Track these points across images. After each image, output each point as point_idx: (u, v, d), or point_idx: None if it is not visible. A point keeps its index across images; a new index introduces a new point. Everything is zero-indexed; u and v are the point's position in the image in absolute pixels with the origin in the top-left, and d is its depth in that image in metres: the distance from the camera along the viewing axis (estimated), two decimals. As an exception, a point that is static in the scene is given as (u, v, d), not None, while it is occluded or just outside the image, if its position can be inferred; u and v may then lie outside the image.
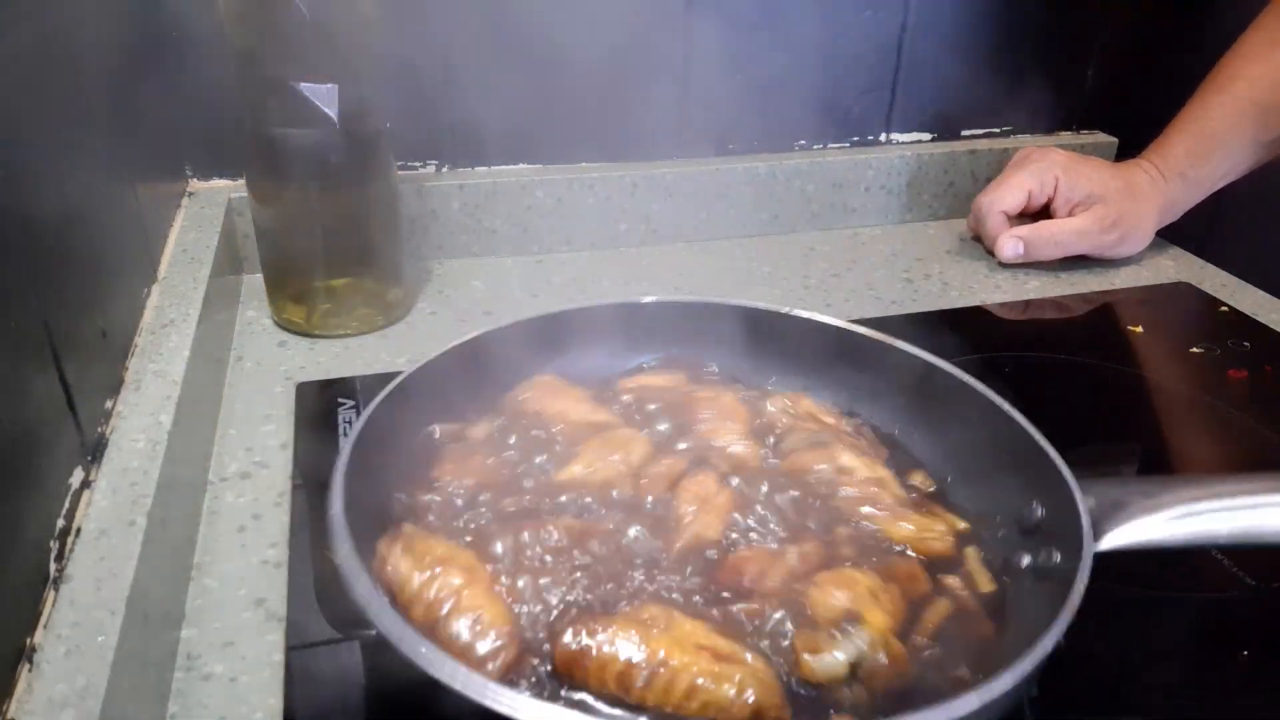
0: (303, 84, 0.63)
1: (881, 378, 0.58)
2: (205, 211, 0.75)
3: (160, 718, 0.42)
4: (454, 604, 0.40)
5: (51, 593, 0.39)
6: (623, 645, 0.38)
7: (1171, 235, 0.92)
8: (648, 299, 0.62)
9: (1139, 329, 0.79)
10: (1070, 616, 0.39)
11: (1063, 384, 0.72)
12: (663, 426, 0.54)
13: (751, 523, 0.47)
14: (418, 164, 0.84)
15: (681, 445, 0.52)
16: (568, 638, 0.39)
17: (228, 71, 0.65)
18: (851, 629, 0.40)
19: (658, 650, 0.38)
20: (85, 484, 0.45)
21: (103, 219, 0.56)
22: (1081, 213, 0.86)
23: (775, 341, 0.60)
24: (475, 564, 0.42)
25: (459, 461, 0.50)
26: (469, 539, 0.45)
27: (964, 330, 0.78)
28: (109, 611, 0.38)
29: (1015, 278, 0.87)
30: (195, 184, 0.80)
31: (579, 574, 0.43)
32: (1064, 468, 0.47)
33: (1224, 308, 0.82)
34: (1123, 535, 0.44)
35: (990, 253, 0.89)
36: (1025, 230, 0.87)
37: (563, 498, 0.48)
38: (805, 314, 0.60)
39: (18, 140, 0.44)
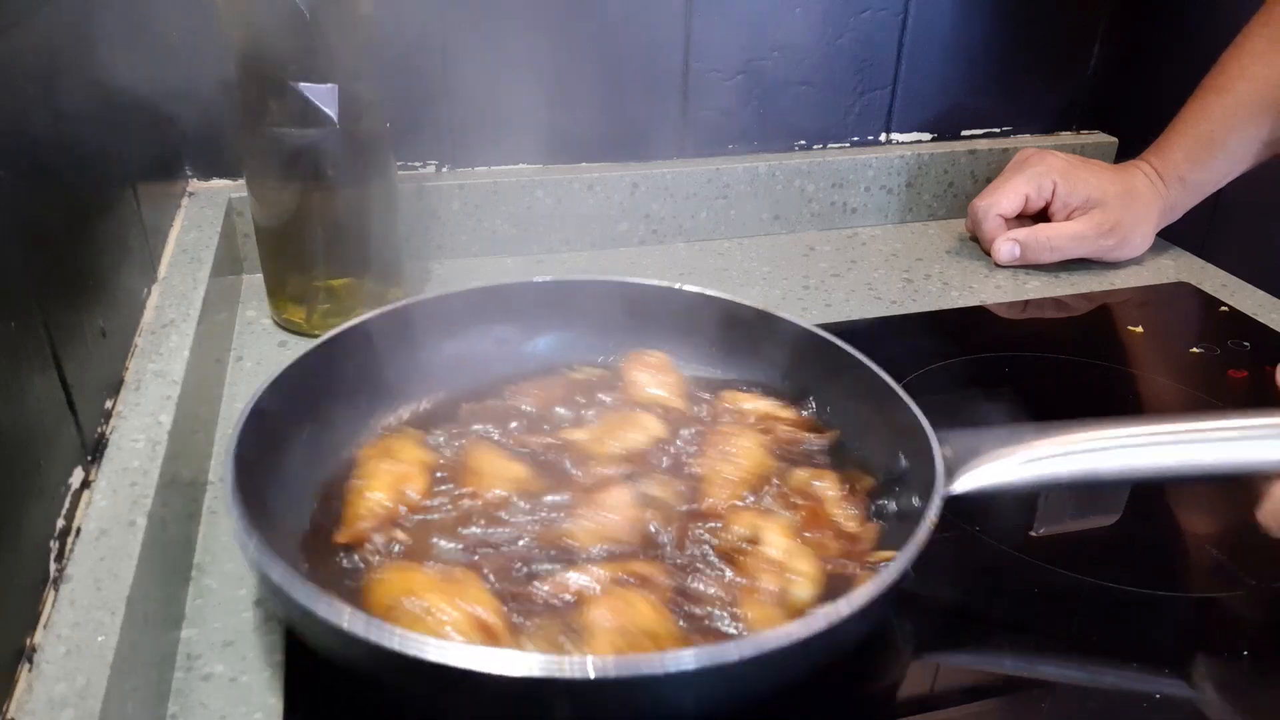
0: (303, 84, 0.63)
1: (772, 349, 0.61)
2: (205, 211, 0.75)
3: (160, 718, 0.42)
4: (369, 479, 0.50)
5: (51, 593, 0.39)
6: (403, 582, 0.43)
7: (1171, 235, 0.92)
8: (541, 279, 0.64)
9: (1139, 329, 0.79)
10: (916, 549, 0.42)
11: (1063, 384, 0.72)
12: (689, 442, 0.55)
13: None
14: (418, 164, 0.84)
15: (669, 462, 0.54)
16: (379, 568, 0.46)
17: (228, 71, 0.65)
18: (569, 645, 0.41)
19: (440, 605, 0.41)
20: (85, 484, 0.45)
21: (103, 219, 0.56)
22: (1080, 217, 0.86)
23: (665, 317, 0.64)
24: (415, 461, 0.52)
25: (536, 390, 0.59)
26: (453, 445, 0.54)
27: (964, 330, 0.78)
28: (109, 611, 0.38)
29: (1015, 278, 0.87)
30: (195, 184, 0.80)
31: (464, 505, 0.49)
32: (923, 420, 0.50)
33: (1224, 308, 0.82)
34: (975, 479, 0.47)
35: (988, 253, 0.90)
36: (1022, 233, 0.87)
37: (543, 445, 0.54)
38: (693, 289, 0.64)
39: (18, 140, 0.44)
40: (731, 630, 0.43)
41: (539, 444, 0.54)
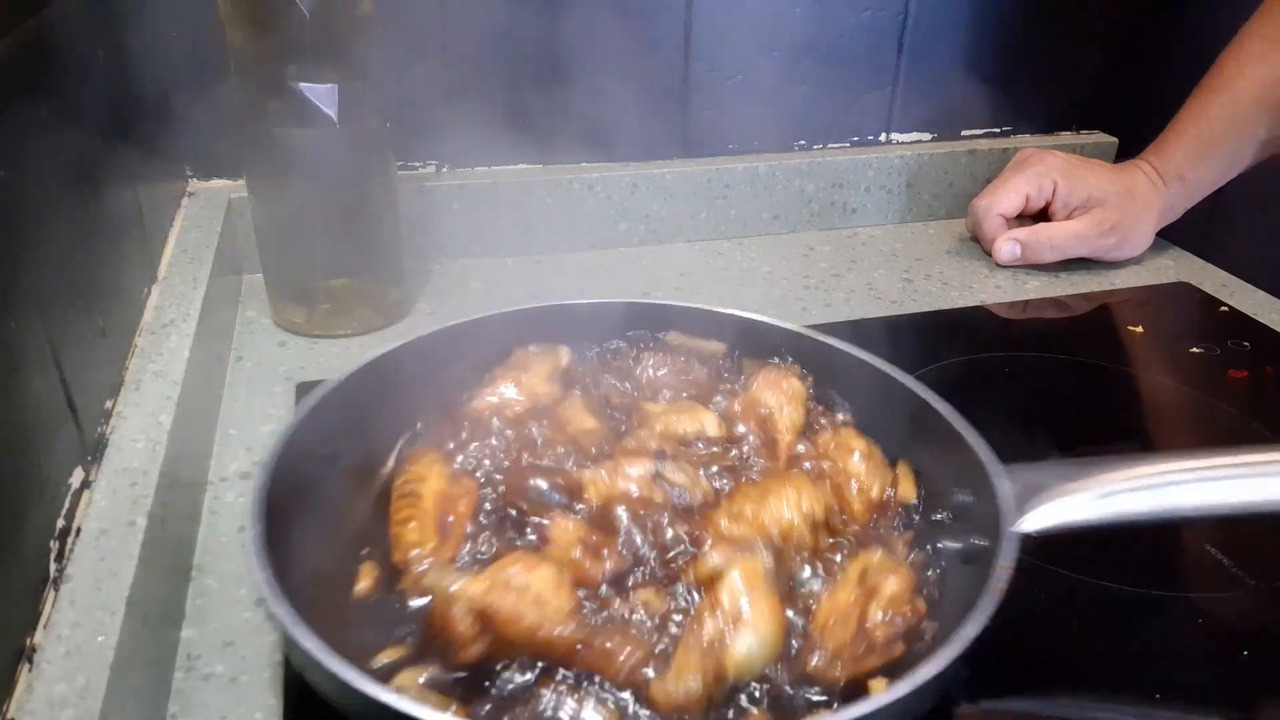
0: (303, 84, 0.63)
1: (826, 380, 0.58)
2: (205, 211, 0.75)
3: (160, 718, 0.42)
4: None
5: (51, 593, 0.39)
6: (419, 467, 0.49)
7: (1171, 235, 0.92)
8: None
9: (1139, 329, 0.79)
10: (995, 600, 0.39)
11: (1063, 384, 0.72)
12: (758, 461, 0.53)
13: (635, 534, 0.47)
14: (418, 164, 0.84)
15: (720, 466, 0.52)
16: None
17: (228, 71, 0.65)
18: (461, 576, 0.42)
19: (425, 494, 0.47)
20: (85, 484, 0.45)
21: (103, 219, 0.56)
22: (1080, 216, 0.86)
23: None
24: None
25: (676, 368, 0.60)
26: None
27: (964, 330, 0.78)
28: (109, 611, 0.38)
29: (1015, 277, 0.87)
30: (195, 184, 0.80)
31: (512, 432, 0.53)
32: (983, 454, 0.47)
33: (1224, 308, 0.82)
34: (1043, 517, 0.44)
35: (989, 253, 0.90)
36: (1023, 233, 0.87)
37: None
38: (727, 310, 0.61)
39: (18, 140, 0.44)
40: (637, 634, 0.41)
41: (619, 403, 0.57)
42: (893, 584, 0.44)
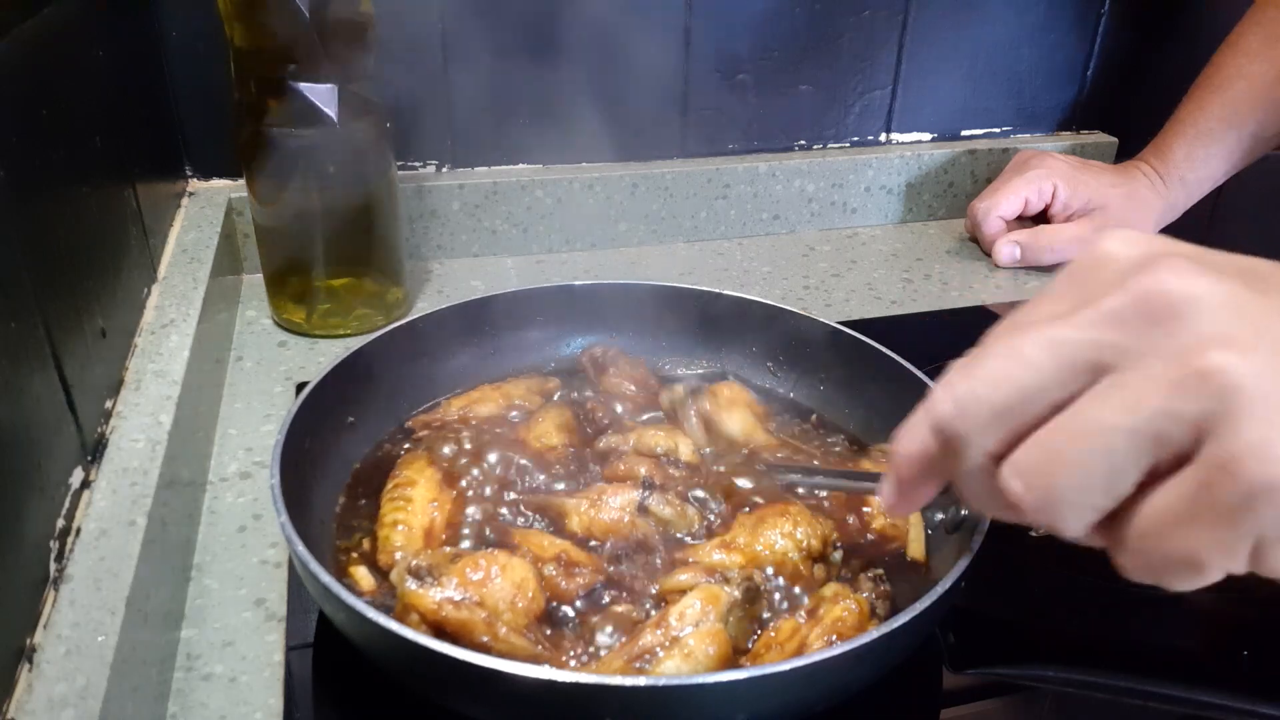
0: (303, 84, 0.63)
1: (800, 348, 0.62)
2: (205, 211, 0.75)
3: (160, 718, 0.42)
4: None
5: (51, 593, 0.39)
6: (411, 471, 0.51)
7: (1171, 235, 0.91)
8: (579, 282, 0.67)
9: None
10: (968, 562, 0.41)
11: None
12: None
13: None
14: (418, 164, 0.84)
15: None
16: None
17: (228, 71, 0.65)
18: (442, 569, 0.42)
19: (415, 498, 0.49)
20: (85, 484, 0.45)
21: (103, 219, 0.56)
22: (1081, 220, 0.86)
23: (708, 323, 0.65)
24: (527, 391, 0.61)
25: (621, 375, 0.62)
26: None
27: (964, 330, 0.78)
28: (109, 611, 0.38)
29: (1015, 278, 0.87)
30: (195, 184, 0.80)
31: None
32: None
33: (1224, 308, 0.82)
34: None
35: (988, 254, 0.89)
36: (1023, 235, 0.87)
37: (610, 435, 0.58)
38: (733, 293, 0.65)
39: (18, 140, 0.44)
40: (576, 651, 0.42)
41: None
42: (838, 609, 0.43)
